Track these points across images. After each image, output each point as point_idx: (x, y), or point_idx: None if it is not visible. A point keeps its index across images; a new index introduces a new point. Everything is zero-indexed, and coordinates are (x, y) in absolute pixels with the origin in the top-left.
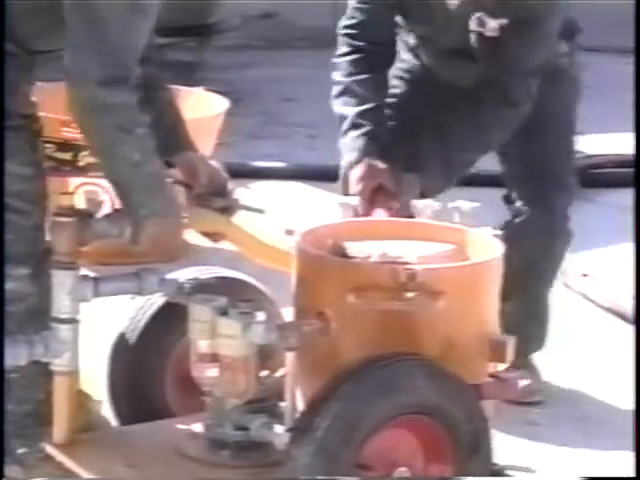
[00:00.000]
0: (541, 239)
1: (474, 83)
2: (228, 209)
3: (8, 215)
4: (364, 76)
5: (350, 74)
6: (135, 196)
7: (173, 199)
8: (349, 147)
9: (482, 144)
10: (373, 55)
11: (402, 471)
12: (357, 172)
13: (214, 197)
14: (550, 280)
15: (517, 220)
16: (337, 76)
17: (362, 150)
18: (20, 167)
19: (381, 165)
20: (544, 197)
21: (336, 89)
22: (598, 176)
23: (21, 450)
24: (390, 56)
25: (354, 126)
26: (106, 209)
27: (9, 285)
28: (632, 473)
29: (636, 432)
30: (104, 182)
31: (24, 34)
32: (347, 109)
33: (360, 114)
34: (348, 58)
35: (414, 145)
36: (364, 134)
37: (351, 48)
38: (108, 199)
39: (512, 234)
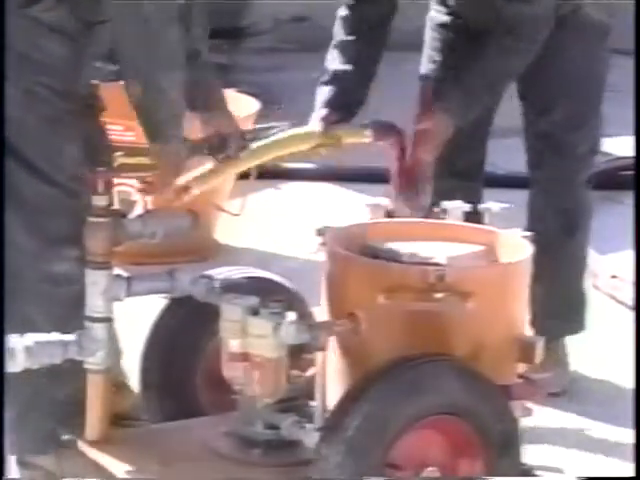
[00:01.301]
0: (558, 208)
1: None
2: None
3: (61, 195)
4: (353, 37)
5: (344, 31)
6: (163, 124)
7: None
8: (319, 101)
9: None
10: (369, 13)
11: (431, 471)
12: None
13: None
14: (574, 255)
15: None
16: (336, 30)
17: (326, 103)
18: (75, 147)
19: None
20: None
21: (332, 43)
22: (628, 178)
23: (66, 437)
24: (387, 13)
25: (328, 82)
26: (139, 209)
27: (60, 267)
28: (632, 473)
29: (636, 432)
30: (137, 183)
31: (82, 4)
32: (330, 64)
33: (338, 72)
34: (346, 14)
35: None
36: (336, 92)
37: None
38: (141, 200)
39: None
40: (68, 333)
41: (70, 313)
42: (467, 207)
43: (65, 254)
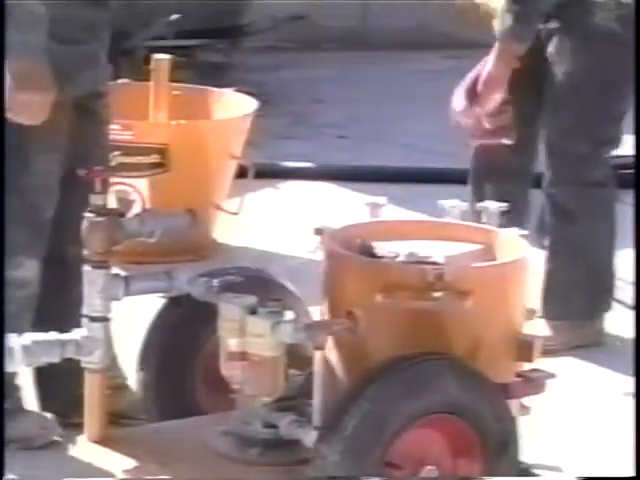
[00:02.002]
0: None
1: None
2: None
3: (24, 207)
4: None
5: None
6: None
7: (43, 45)
8: None
9: None
10: None
11: (430, 470)
12: None
13: None
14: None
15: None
16: None
17: None
18: (44, 160)
19: None
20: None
21: None
22: (627, 177)
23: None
24: None
25: None
26: (137, 208)
27: (18, 272)
28: (632, 473)
29: (636, 432)
30: (135, 182)
31: None
32: None
33: None
34: None
35: None
36: None
37: None
38: (139, 198)
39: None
40: (19, 332)
41: (22, 314)
42: (465, 205)
43: (23, 263)
